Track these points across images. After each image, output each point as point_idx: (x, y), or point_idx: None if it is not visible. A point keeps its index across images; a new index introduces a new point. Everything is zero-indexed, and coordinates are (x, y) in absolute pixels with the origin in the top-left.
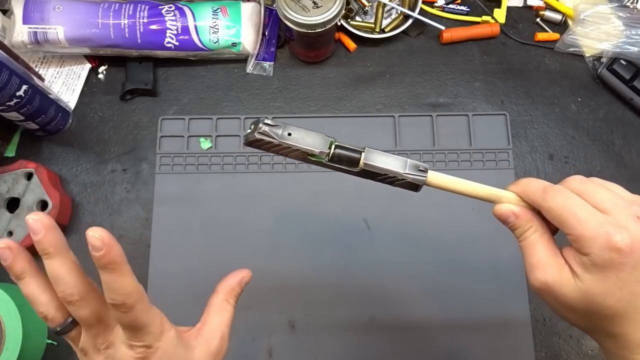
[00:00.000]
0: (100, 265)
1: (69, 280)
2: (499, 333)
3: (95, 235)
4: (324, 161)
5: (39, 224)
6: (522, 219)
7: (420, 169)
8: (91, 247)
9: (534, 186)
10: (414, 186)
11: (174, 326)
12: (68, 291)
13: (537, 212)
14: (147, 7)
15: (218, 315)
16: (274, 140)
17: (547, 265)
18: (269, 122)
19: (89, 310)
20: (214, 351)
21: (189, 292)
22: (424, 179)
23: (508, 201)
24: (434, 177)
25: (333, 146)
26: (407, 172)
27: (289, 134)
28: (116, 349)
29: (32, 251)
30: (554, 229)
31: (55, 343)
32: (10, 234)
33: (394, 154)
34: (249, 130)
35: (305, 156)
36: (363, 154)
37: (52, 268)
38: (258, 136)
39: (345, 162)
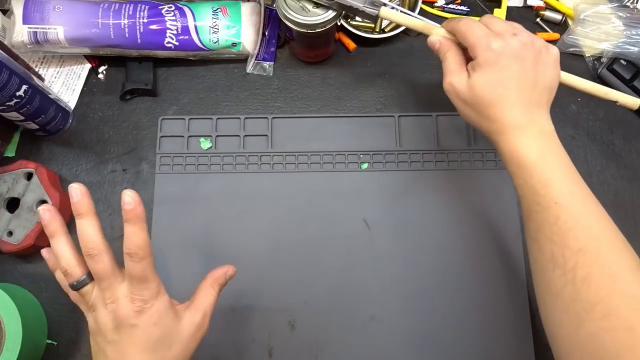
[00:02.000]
0: (127, 218)
1: (94, 238)
2: (499, 333)
3: (129, 193)
4: None
5: (77, 191)
6: (444, 45)
7: (375, 4)
8: (123, 203)
9: (452, 20)
10: (372, 17)
11: (168, 296)
12: (91, 246)
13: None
14: (147, 7)
15: (204, 296)
16: None
17: (453, 72)
18: None
19: (103, 265)
20: (197, 324)
21: (189, 291)
22: (376, 11)
23: (437, 33)
24: (385, 11)
25: None
26: (365, 5)
27: None
28: (119, 303)
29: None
30: (468, 57)
31: (55, 343)
32: (10, 234)
33: (394, 153)
34: None
35: None
36: None
37: (81, 226)
38: None
39: None
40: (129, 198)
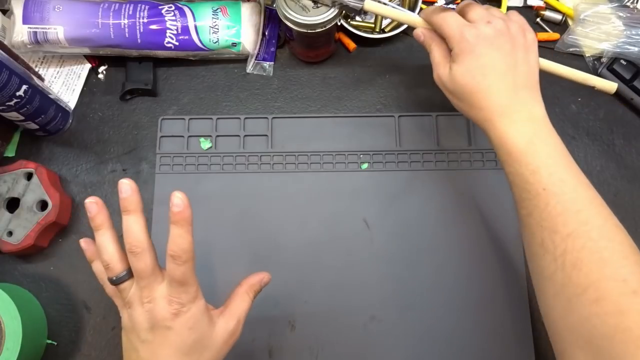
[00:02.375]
0: (174, 220)
1: (138, 235)
2: (499, 333)
3: (178, 195)
4: None
5: (127, 187)
6: (427, 37)
7: None
8: (172, 204)
9: (429, 10)
10: (356, 11)
11: (205, 301)
12: (135, 243)
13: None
14: (147, 7)
15: (239, 302)
16: None
17: (439, 64)
18: None
19: (145, 264)
20: (230, 330)
21: None
22: (361, 5)
23: (421, 25)
24: (370, 4)
25: None
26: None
27: None
28: (156, 303)
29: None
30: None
31: (55, 343)
32: (10, 234)
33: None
34: None
35: None
36: None
37: (127, 223)
38: None
39: None
40: (179, 200)
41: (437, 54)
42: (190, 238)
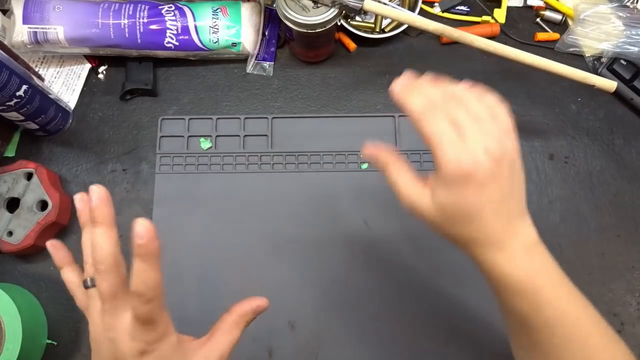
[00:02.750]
0: (138, 253)
1: (106, 250)
2: (500, 333)
3: (142, 223)
4: None
5: (97, 195)
6: (384, 157)
7: None
8: (135, 235)
9: (408, 93)
10: (356, 11)
11: (178, 333)
12: (100, 259)
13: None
14: (147, 7)
15: (224, 334)
16: None
17: (409, 191)
18: None
19: (108, 285)
20: None
21: (188, 291)
22: (361, 5)
23: (421, 26)
24: (370, 4)
25: None
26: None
27: None
28: (119, 337)
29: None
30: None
31: (55, 343)
32: (10, 234)
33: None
34: None
35: None
36: None
37: (95, 236)
38: None
39: None
40: (143, 229)
41: (403, 179)
42: (157, 274)
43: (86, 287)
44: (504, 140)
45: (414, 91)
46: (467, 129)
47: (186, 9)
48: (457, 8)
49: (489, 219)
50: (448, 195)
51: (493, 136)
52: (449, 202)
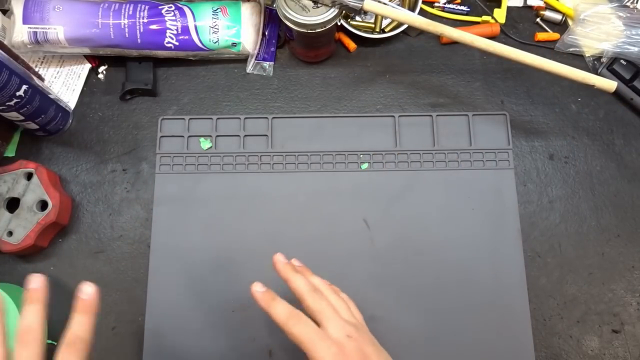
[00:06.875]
0: (79, 307)
1: (33, 324)
2: (499, 333)
3: (90, 286)
4: None
5: (37, 280)
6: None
7: None
8: (80, 291)
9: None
10: (356, 11)
11: None
12: (26, 330)
13: None
14: (147, 7)
15: None
16: None
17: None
18: None
19: (28, 355)
20: None
21: (188, 291)
22: (361, 5)
23: (420, 26)
24: (370, 4)
25: None
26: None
27: None
28: None
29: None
30: None
31: (55, 343)
32: (10, 234)
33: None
34: None
35: None
36: None
37: (26, 310)
38: None
39: None
40: (90, 290)
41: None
42: (89, 327)
43: None
44: (360, 329)
45: (276, 300)
46: (332, 329)
47: (186, 9)
48: (457, 8)
49: None
50: None
51: (350, 324)
52: None
